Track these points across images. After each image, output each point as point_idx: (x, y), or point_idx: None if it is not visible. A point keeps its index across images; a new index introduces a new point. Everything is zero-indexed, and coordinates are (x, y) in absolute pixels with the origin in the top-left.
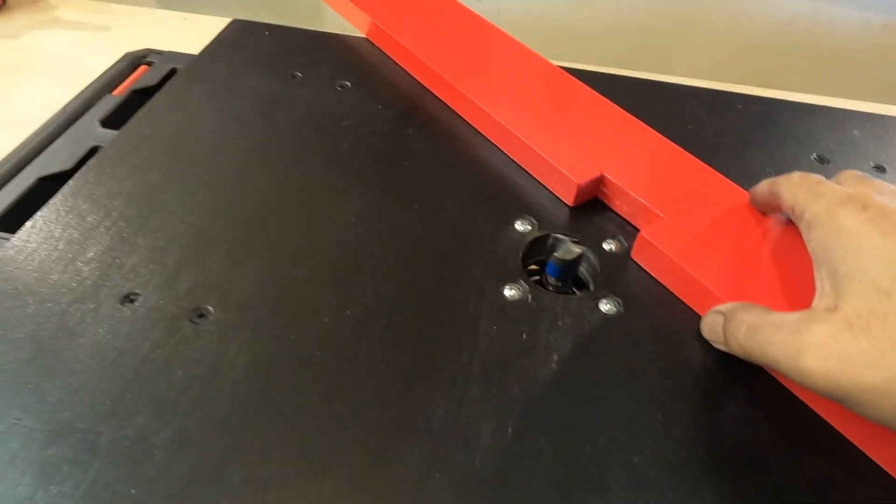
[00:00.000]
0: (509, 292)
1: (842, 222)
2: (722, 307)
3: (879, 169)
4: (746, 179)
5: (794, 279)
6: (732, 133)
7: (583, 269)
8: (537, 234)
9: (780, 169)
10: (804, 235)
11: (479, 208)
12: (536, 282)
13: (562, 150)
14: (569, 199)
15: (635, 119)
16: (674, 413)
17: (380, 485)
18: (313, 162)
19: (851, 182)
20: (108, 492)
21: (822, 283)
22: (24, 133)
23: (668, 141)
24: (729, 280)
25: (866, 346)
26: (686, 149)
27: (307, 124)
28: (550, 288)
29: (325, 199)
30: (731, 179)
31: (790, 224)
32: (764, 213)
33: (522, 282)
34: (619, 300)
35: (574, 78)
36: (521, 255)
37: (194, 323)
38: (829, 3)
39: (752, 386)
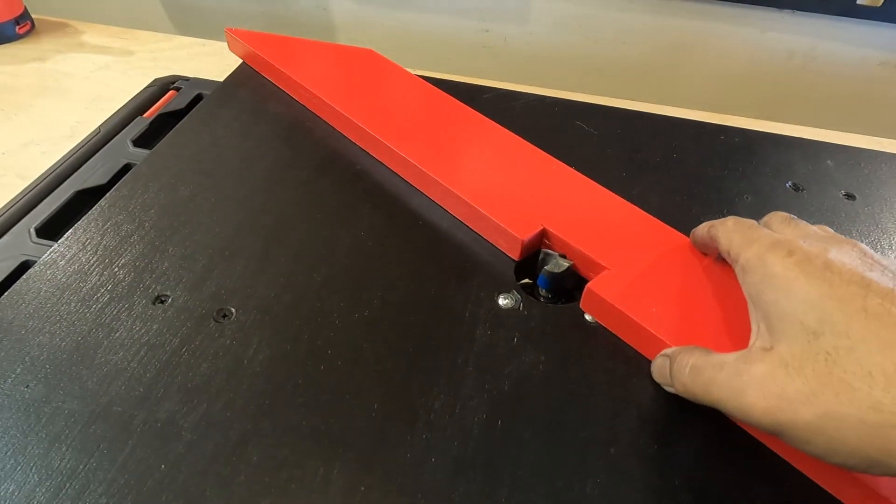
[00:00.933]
0: (503, 301)
1: (771, 268)
2: (667, 351)
3: (850, 197)
4: (725, 205)
5: (735, 318)
6: (714, 162)
7: (571, 282)
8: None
9: (758, 196)
10: (739, 279)
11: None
12: (529, 293)
13: (504, 207)
14: (514, 254)
15: (577, 172)
16: (648, 411)
17: (382, 467)
18: (328, 181)
19: (779, 225)
20: (140, 466)
21: (757, 324)
22: (51, 151)
23: (610, 192)
24: (674, 325)
25: (801, 385)
26: (670, 176)
27: (323, 147)
28: (542, 299)
29: (339, 215)
30: (711, 204)
31: (728, 264)
32: (704, 254)
33: (515, 292)
34: None
35: (513, 134)
36: (514, 268)
37: (219, 322)
38: (826, 40)
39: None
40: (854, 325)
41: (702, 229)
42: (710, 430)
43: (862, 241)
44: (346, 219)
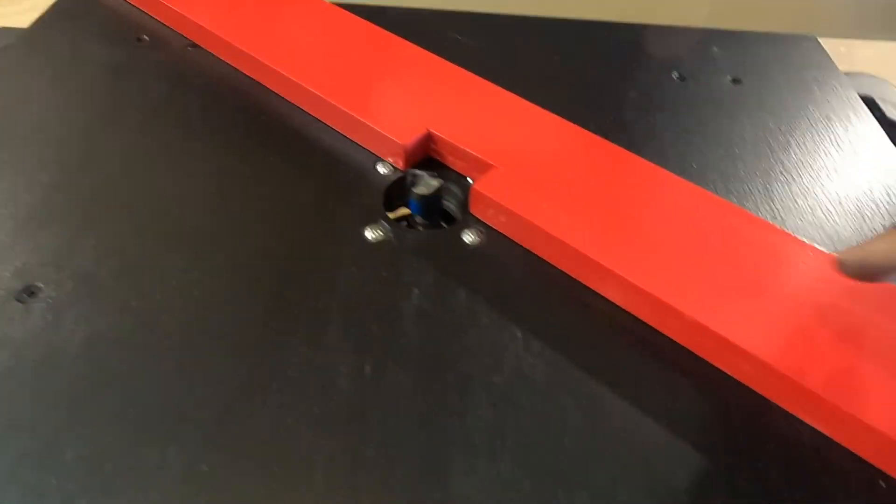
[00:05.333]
0: (371, 234)
1: None
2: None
3: (737, 81)
4: (613, 103)
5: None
6: (599, 60)
7: (451, 203)
8: (400, 174)
9: (644, 91)
10: None
11: (341, 156)
12: (407, 223)
13: (385, 112)
14: (399, 163)
15: (464, 70)
16: (534, 330)
17: (230, 441)
18: (164, 126)
19: None
20: None
21: None
22: None
23: (502, 89)
24: (571, 222)
25: None
26: (554, 79)
27: (156, 89)
28: (420, 227)
29: (178, 163)
30: (598, 105)
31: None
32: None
33: (384, 222)
34: (483, 230)
35: (394, 35)
36: (382, 196)
37: (22, 303)
38: None
39: (612, 302)
40: None
41: (852, 266)
42: (600, 346)
43: (749, 124)
44: (186, 166)
